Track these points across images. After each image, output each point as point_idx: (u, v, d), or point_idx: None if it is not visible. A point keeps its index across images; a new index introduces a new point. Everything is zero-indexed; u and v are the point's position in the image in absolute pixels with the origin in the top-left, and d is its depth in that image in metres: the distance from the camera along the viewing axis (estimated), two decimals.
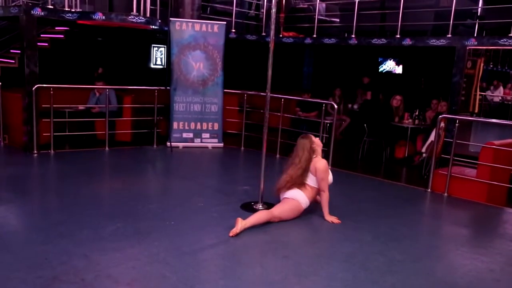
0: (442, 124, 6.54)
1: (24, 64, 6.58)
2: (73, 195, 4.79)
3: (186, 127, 7.96)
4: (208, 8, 9.56)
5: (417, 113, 8.31)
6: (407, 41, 7.87)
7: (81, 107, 7.83)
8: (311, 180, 4.38)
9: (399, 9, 7.91)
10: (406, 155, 8.21)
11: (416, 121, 8.25)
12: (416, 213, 5.12)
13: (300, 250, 3.72)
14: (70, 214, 4.21)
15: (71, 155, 6.90)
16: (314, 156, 4.42)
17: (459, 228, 4.61)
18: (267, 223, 4.15)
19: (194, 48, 7.83)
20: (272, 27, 4.47)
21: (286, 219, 4.25)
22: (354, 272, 3.33)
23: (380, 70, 12.68)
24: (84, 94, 8.01)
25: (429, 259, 3.72)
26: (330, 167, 6.74)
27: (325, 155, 7.32)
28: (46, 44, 8.40)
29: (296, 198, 4.32)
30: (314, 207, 4.56)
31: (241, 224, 3.84)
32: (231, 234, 3.79)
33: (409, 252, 3.79)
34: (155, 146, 7.79)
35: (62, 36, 8.79)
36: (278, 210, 4.25)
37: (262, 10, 10.19)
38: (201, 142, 8.03)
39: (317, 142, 4.50)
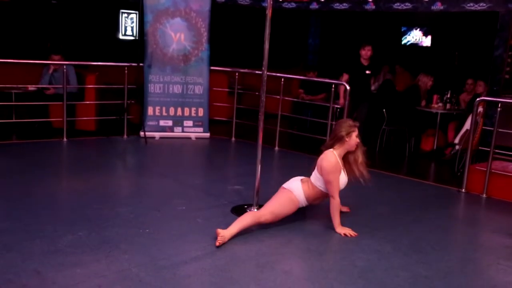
0: (481, 109, 6.55)
1: None
2: (22, 197, 4.76)
3: (164, 113, 7.94)
4: None
5: (449, 96, 8.33)
6: (438, 6, 7.86)
7: (31, 87, 7.77)
8: (315, 178, 4.37)
9: None
10: (435, 147, 8.23)
11: (448, 106, 8.27)
12: (447, 218, 5.14)
13: (304, 263, 3.73)
14: (18, 220, 4.18)
15: (19, 148, 6.85)
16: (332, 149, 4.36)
17: (501, 237, 4.62)
18: (263, 229, 4.16)
19: (174, 15, 7.79)
20: None
21: (278, 216, 4.24)
22: None
23: (403, 43, 12.68)
24: (35, 71, 7.96)
25: (462, 275, 3.73)
26: None
27: None
28: None
29: (291, 189, 4.34)
30: (319, 210, 4.56)
31: (222, 234, 3.86)
32: (217, 244, 3.81)
33: (438, 267, 3.81)
34: (125, 136, 7.76)
35: None
36: (268, 205, 4.28)
37: None
38: (183, 131, 8.02)
39: (353, 139, 4.35)
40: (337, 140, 4.35)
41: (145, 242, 3.88)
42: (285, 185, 4.41)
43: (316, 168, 4.37)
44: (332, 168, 4.24)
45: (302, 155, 7.17)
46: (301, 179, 4.42)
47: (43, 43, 9.18)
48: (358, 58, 7.82)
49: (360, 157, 4.41)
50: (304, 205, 4.41)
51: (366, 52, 7.75)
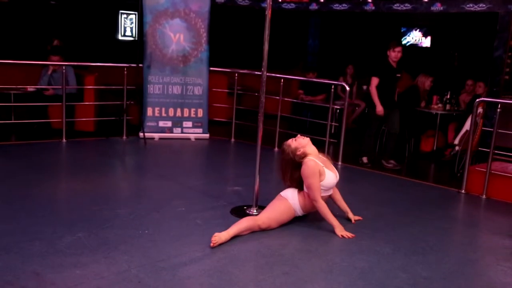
0: (480, 110, 6.56)
1: None
2: (21, 199, 4.77)
3: (163, 114, 7.94)
4: None
5: (448, 96, 8.34)
6: (437, 6, 7.87)
7: (30, 88, 7.78)
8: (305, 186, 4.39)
9: None
10: (434, 148, 8.24)
11: (448, 106, 8.27)
12: (447, 219, 5.14)
13: (304, 265, 3.73)
14: (17, 221, 4.19)
15: (18, 149, 6.85)
16: (303, 159, 4.35)
17: (501, 239, 4.63)
18: (262, 230, 4.18)
19: (173, 16, 7.79)
20: None
21: (275, 222, 4.27)
22: None
23: (403, 43, 12.69)
24: (34, 72, 7.96)
25: (462, 276, 3.73)
26: (340, 162, 6.87)
27: (334, 148, 7.38)
28: None
29: (287, 197, 4.38)
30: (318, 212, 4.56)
31: (218, 235, 3.88)
32: (212, 245, 3.82)
33: (438, 268, 3.81)
34: (124, 137, 7.76)
35: None
36: (265, 210, 4.32)
37: None
38: (182, 132, 8.02)
39: (299, 144, 4.38)
40: (296, 159, 4.35)
41: (145, 243, 3.88)
42: (282, 193, 4.44)
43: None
44: (310, 172, 4.24)
45: None
46: (299, 191, 4.42)
47: (42, 43, 9.18)
48: (386, 60, 7.07)
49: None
50: (300, 214, 4.42)
51: (396, 54, 6.95)
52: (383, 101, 7.00)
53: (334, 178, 4.41)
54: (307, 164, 4.27)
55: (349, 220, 4.61)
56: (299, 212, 4.40)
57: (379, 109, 7.00)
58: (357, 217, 4.68)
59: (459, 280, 3.64)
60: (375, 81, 7.03)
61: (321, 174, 4.28)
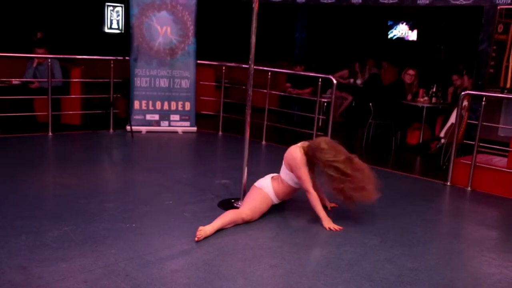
0: (465, 103, 6.60)
1: None
2: (7, 193, 4.72)
3: (151, 107, 7.90)
4: None
5: (434, 90, 8.38)
6: (423, 0, 7.89)
7: (15, 81, 7.70)
8: (284, 173, 4.40)
9: None
10: (420, 141, 8.29)
11: (434, 99, 8.32)
12: (433, 211, 5.18)
13: (291, 257, 3.75)
14: (3, 216, 4.15)
15: (3, 143, 6.78)
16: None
17: (486, 230, 4.69)
18: (250, 224, 4.19)
19: (160, 8, 7.74)
20: None
21: (256, 212, 4.29)
22: (357, 284, 3.36)
23: (389, 37, 12.75)
24: (19, 65, 7.87)
25: (447, 267, 3.77)
26: None
27: None
28: None
29: (262, 187, 4.40)
30: (306, 205, 4.57)
31: (203, 229, 3.88)
32: (197, 239, 3.82)
33: (424, 259, 3.84)
34: (111, 130, 7.72)
35: None
36: (244, 202, 4.35)
37: None
38: (169, 125, 7.99)
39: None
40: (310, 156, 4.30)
41: (132, 237, 3.87)
42: (256, 183, 4.47)
43: (283, 163, 4.40)
44: (297, 164, 4.26)
45: None
46: (272, 177, 4.49)
47: (27, 36, 9.08)
48: None
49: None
50: (276, 202, 4.47)
51: None
52: None
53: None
54: (293, 155, 4.29)
55: (325, 207, 4.63)
56: (275, 200, 4.44)
57: None
58: (332, 204, 4.75)
59: (444, 271, 3.67)
60: None
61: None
